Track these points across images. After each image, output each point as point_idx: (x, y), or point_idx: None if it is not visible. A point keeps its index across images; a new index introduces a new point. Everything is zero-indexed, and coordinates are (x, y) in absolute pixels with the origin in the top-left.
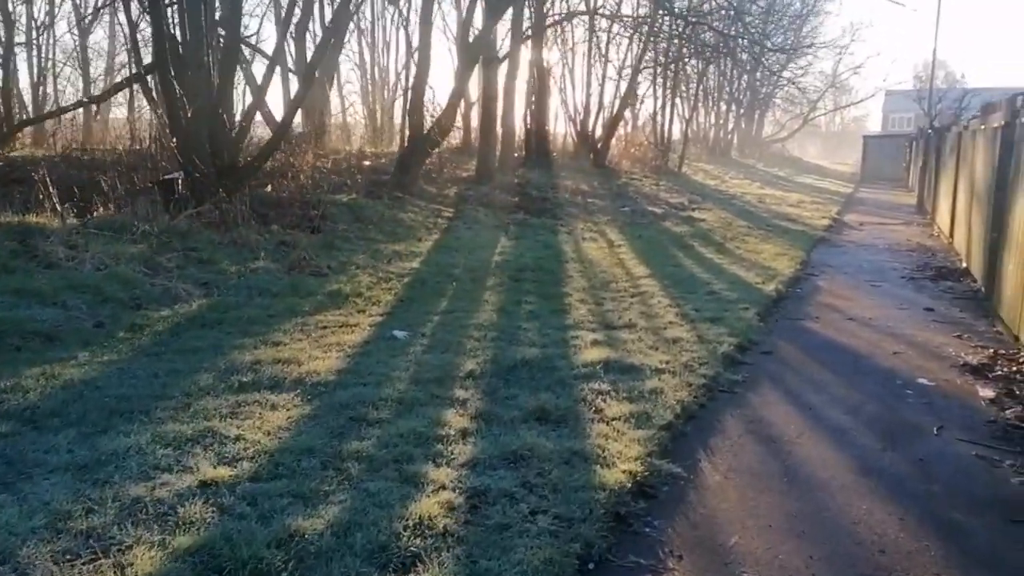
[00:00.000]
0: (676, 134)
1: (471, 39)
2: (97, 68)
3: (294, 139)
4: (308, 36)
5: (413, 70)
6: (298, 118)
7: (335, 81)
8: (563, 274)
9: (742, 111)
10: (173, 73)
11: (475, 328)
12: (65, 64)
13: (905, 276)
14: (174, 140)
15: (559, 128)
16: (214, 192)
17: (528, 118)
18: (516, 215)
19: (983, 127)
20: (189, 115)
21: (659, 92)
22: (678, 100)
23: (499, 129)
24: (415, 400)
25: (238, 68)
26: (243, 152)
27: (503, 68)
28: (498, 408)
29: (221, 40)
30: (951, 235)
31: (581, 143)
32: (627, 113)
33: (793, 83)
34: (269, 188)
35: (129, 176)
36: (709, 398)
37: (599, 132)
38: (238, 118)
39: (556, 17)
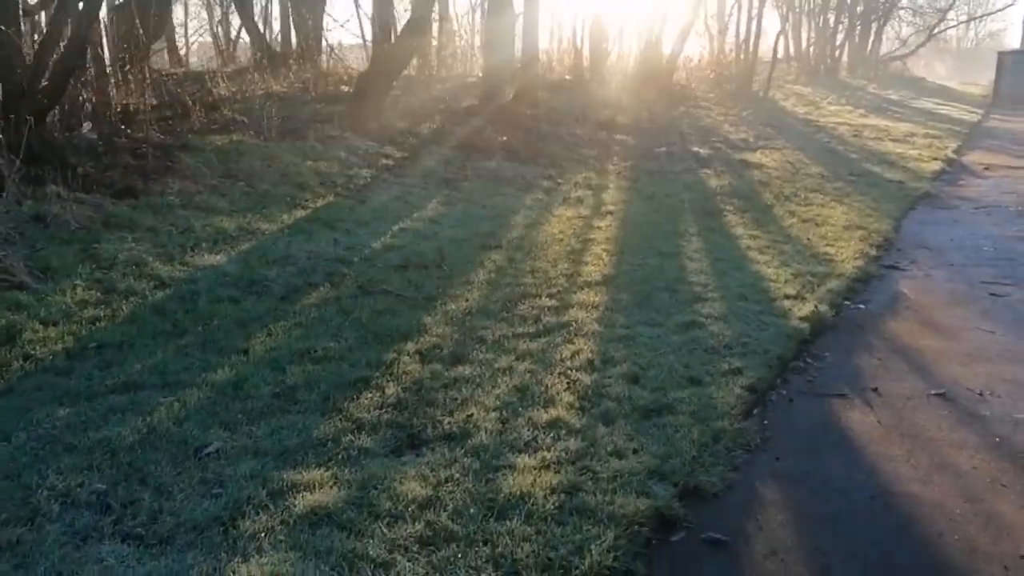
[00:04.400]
0: (781, 50)
1: None
2: None
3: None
4: None
5: None
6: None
7: None
8: (463, 276)
9: (856, 23)
10: None
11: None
12: None
13: None
14: None
15: (628, 46)
16: None
17: (579, 32)
18: (489, 162)
19: None
20: None
21: None
22: (773, 9)
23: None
24: None
25: None
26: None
27: None
28: None
29: None
30: None
31: (645, 62)
32: (712, 25)
33: None
34: (89, 127)
35: None
36: None
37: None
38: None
39: None
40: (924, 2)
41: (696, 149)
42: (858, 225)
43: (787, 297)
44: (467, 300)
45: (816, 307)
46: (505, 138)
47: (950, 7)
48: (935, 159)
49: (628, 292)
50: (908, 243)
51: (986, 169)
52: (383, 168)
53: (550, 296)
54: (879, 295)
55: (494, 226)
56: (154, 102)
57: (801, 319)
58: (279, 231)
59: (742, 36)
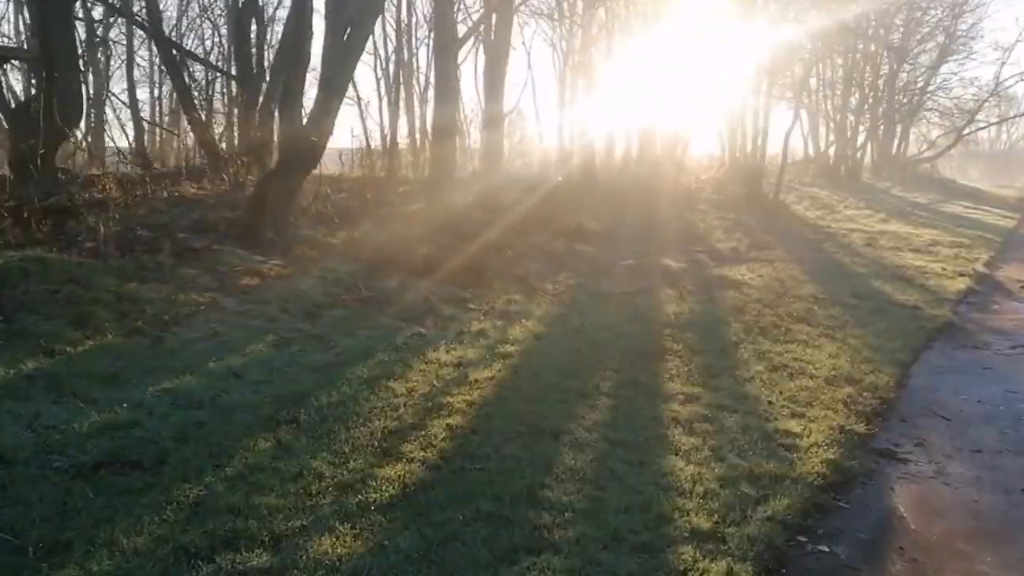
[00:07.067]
0: (799, 152)
1: None
2: None
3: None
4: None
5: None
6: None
7: None
8: (177, 487)
9: (880, 123)
10: None
11: None
12: None
13: None
14: None
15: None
16: None
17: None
18: (390, 280)
19: None
20: None
21: (751, 96)
22: (787, 109)
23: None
24: None
25: None
26: None
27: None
28: None
29: None
30: None
31: (645, 162)
32: (724, 126)
33: (933, 96)
34: None
35: None
36: None
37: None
38: None
39: None
40: (951, 104)
41: (668, 262)
42: (848, 376)
43: (694, 535)
44: (119, 551)
45: (731, 570)
46: (426, 250)
47: (978, 109)
48: (961, 275)
49: (423, 528)
50: (916, 407)
51: None
52: (238, 291)
53: (274, 541)
54: (858, 519)
55: (317, 382)
56: None
57: None
58: None
59: (749, 135)
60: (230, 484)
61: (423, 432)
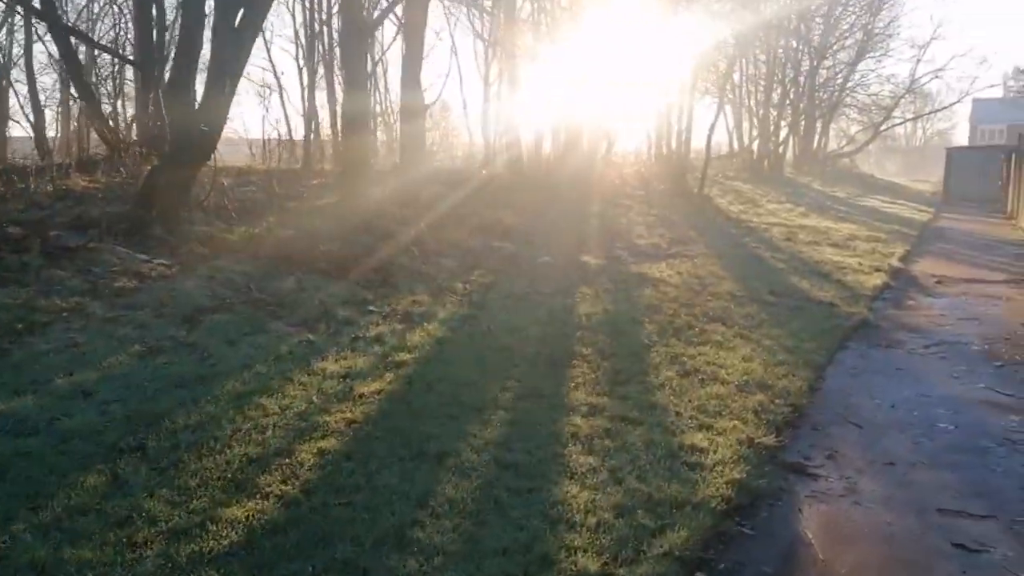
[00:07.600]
0: (724, 147)
1: None
2: None
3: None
4: None
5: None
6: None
7: None
8: None
9: (801, 118)
10: None
11: None
12: None
13: None
14: None
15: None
16: None
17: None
18: (286, 280)
19: None
20: None
21: (676, 91)
22: (712, 103)
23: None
24: None
25: None
26: None
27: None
28: None
29: None
30: None
31: (571, 158)
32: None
33: (852, 92)
34: None
35: None
36: None
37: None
38: None
39: None
40: (869, 100)
41: (587, 259)
42: (760, 382)
43: None
44: None
45: None
46: (330, 248)
47: (895, 105)
48: (878, 270)
49: None
50: (829, 413)
51: (939, 283)
52: (111, 295)
53: None
54: (763, 549)
55: (179, 400)
56: None
57: None
58: None
59: (675, 130)
60: (42, 532)
61: (289, 459)
